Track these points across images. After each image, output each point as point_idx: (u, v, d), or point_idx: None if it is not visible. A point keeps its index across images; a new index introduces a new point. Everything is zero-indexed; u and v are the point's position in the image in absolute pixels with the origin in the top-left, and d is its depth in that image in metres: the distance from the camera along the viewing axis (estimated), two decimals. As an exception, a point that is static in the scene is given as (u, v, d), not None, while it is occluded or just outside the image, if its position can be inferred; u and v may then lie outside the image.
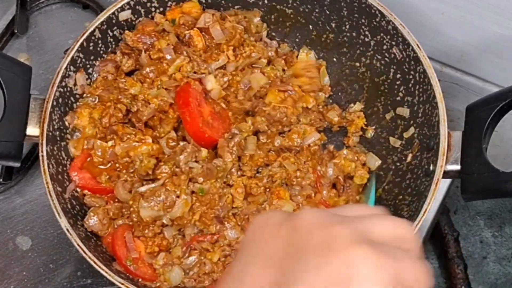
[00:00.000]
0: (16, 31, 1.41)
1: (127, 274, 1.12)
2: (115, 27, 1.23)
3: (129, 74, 1.24)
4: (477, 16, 1.25)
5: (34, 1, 1.44)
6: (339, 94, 1.31)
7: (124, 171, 1.17)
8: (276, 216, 0.67)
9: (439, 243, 1.44)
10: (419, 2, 1.29)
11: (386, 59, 1.24)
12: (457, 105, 1.14)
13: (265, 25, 1.30)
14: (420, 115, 1.18)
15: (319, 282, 0.59)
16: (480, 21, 1.26)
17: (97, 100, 1.22)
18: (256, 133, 1.23)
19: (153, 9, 1.26)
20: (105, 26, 1.21)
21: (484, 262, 1.46)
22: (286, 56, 1.30)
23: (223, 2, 1.28)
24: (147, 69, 1.21)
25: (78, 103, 1.21)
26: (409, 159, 1.19)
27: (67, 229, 1.08)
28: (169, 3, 1.27)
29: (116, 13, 1.22)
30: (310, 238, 0.62)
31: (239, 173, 1.20)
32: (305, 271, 0.60)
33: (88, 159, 1.18)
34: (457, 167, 1.09)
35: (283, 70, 1.28)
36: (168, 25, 1.24)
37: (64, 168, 1.16)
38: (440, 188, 1.10)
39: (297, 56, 1.31)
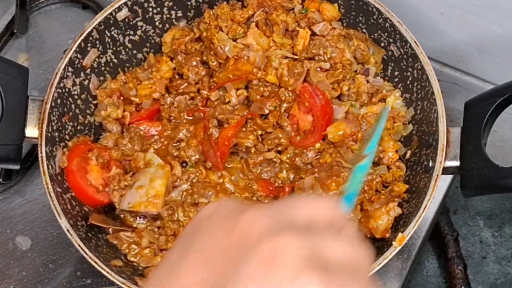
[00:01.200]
0: (15, 31, 1.41)
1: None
2: (113, 28, 1.23)
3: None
4: (477, 15, 1.25)
5: (33, 1, 1.44)
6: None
7: None
8: (224, 209, 0.62)
9: (438, 243, 1.44)
10: (419, 1, 1.29)
11: (384, 56, 1.24)
12: (457, 105, 1.14)
13: (381, 66, 1.25)
14: (418, 112, 1.18)
15: None
16: (479, 20, 1.26)
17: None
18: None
19: (150, 9, 1.26)
20: (103, 26, 1.22)
21: (484, 262, 1.46)
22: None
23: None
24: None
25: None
26: (408, 156, 1.18)
27: (68, 230, 1.08)
28: (166, 3, 1.27)
29: (114, 13, 1.22)
30: (254, 247, 0.57)
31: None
32: (242, 280, 0.56)
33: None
34: (456, 163, 1.09)
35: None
36: (299, 8, 1.25)
37: (64, 169, 1.16)
38: (439, 188, 1.10)
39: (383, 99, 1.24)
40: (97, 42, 1.22)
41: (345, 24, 1.27)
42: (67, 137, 1.19)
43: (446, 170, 1.09)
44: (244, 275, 0.56)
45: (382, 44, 1.23)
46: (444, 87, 1.23)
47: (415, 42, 1.17)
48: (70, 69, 1.18)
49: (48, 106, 1.13)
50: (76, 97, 1.21)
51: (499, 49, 1.29)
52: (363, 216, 1.14)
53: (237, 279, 0.56)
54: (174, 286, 0.59)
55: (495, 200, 1.51)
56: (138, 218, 1.17)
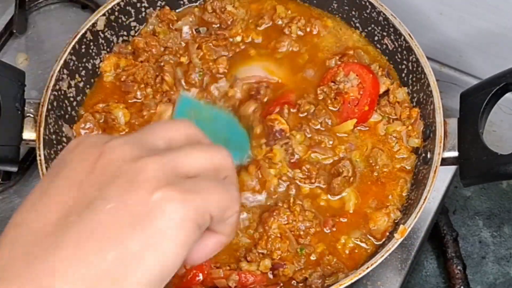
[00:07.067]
0: (14, 31, 1.41)
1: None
2: (107, 29, 1.23)
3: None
4: (476, 16, 1.25)
5: (32, 1, 1.45)
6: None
7: None
8: (91, 139, 0.66)
9: (438, 243, 1.43)
10: (418, 2, 1.29)
11: (378, 50, 1.24)
12: (456, 104, 1.14)
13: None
14: (414, 104, 1.19)
15: (113, 214, 0.60)
16: (478, 21, 1.26)
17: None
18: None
19: (143, 9, 1.26)
20: (96, 28, 1.22)
21: (483, 262, 1.46)
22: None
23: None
24: None
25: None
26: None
27: (67, 231, 1.08)
28: (159, 2, 1.27)
29: (107, 14, 1.22)
30: (116, 171, 0.62)
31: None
32: (103, 199, 0.61)
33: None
34: (455, 153, 1.10)
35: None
36: None
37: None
38: (439, 187, 1.11)
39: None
40: (91, 43, 1.22)
41: (338, 19, 1.27)
42: (64, 139, 1.18)
43: (444, 161, 1.10)
44: (105, 196, 0.61)
45: (376, 38, 1.23)
46: (443, 87, 1.23)
47: (409, 34, 1.17)
48: (65, 71, 1.18)
49: (44, 109, 1.13)
50: (72, 99, 1.21)
51: (498, 49, 1.29)
52: (361, 218, 1.14)
53: (98, 201, 0.61)
54: (43, 208, 0.62)
55: (494, 200, 1.51)
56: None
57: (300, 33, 1.27)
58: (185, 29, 1.26)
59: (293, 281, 1.11)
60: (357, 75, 1.20)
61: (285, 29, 1.27)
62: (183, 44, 1.26)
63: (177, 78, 1.23)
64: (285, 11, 1.28)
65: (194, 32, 1.27)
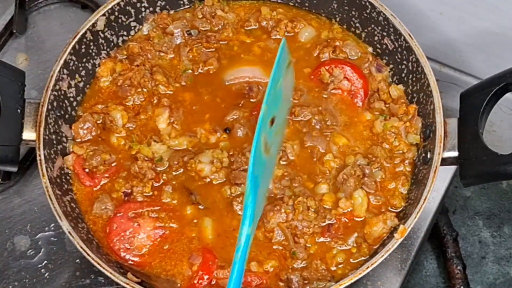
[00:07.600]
0: (14, 31, 1.41)
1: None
2: (106, 29, 1.23)
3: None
4: (476, 16, 1.25)
5: (32, 1, 1.45)
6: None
7: None
8: None
9: (438, 243, 1.44)
10: (418, 2, 1.29)
11: (378, 50, 1.24)
12: (456, 104, 1.15)
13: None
14: (414, 104, 1.18)
15: None
16: (478, 21, 1.26)
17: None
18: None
19: (143, 9, 1.27)
20: (96, 28, 1.22)
21: (483, 262, 1.46)
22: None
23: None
24: None
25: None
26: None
27: (69, 232, 1.08)
28: (159, 2, 1.27)
29: (107, 14, 1.22)
30: None
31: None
32: None
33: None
34: (455, 153, 1.10)
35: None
36: None
37: (63, 171, 1.16)
38: (439, 188, 1.11)
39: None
40: (91, 43, 1.22)
41: (338, 19, 1.27)
42: (64, 139, 1.18)
43: (444, 161, 1.10)
44: None
45: (376, 38, 1.23)
46: (443, 87, 1.23)
47: (409, 34, 1.17)
48: (65, 71, 1.18)
49: (44, 109, 1.13)
50: (72, 99, 1.21)
51: (498, 49, 1.29)
52: (359, 223, 1.14)
53: None
54: None
55: (494, 200, 1.51)
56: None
57: (287, 34, 1.27)
58: (177, 32, 1.27)
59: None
60: (341, 71, 1.21)
61: (272, 32, 1.27)
62: (177, 48, 1.27)
63: (168, 77, 1.24)
64: (270, 13, 1.28)
65: (186, 35, 1.27)
